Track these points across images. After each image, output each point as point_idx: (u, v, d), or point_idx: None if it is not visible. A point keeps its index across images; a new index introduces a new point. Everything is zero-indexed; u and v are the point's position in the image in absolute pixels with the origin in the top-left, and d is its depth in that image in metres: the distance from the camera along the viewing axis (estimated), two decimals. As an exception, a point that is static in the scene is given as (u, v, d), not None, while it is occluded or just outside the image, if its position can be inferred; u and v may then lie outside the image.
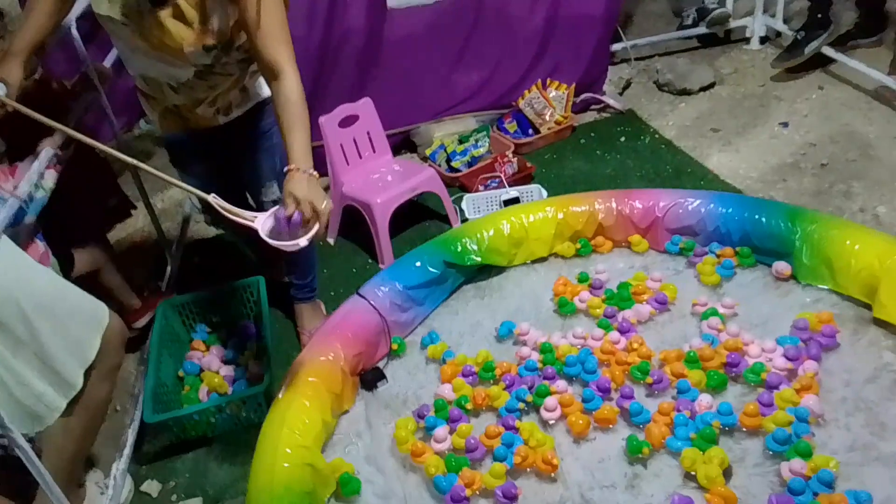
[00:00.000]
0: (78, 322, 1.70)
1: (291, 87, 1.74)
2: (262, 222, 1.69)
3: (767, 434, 1.77)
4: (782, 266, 2.22)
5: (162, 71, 1.97)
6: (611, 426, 1.89)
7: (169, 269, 2.83)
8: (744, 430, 1.83)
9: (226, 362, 2.38)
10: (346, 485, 1.81)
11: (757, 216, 2.29)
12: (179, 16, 1.82)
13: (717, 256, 2.34)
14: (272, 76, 1.76)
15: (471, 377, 2.08)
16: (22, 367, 1.58)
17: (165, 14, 1.81)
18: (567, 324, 2.27)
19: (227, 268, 2.78)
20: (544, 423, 1.92)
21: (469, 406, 1.97)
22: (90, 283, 2.37)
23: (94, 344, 1.72)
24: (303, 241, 1.63)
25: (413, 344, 2.28)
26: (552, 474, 1.79)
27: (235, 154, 2.18)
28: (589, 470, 1.80)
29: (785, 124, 3.35)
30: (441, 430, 1.89)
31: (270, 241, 1.65)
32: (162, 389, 2.17)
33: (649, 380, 1.97)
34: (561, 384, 1.98)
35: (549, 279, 2.42)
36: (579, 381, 2.02)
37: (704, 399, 1.89)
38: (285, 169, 1.69)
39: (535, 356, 2.11)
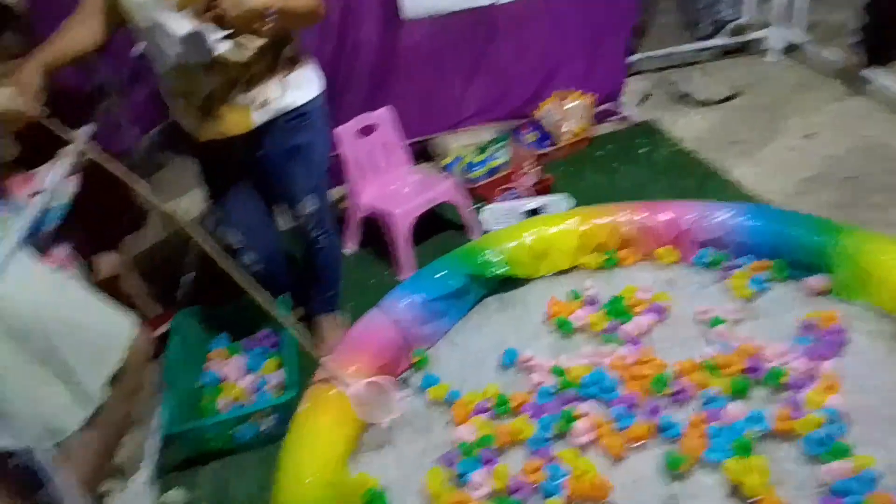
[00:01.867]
0: (103, 336, 1.67)
1: None
2: (354, 390, 1.88)
3: (800, 437, 1.76)
4: (816, 280, 2.18)
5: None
6: (644, 442, 1.84)
7: (183, 278, 2.80)
8: (776, 435, 1.80)
9: (247, 372, 2.34)
10: (370, 501, 1.76)
11: (789, 229, 2.26)
12: None
13: (749, 269, 2.30)
14: None
15: (486, 413, 1.97)
16: (44, 380, 1.55)
17: None
18: (569, 344, 2.21)
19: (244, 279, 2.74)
20: (576, 449, 1.85)
21: (497, 444, 1.87)
22: (110, 289, 2.35)
23: (117, 358, 1.68)
24: (385, 421, 1.90)
25: (435, 358, 2.24)
26: (605, 500, 1.71)
27: (271, 166, 2.11)
28: (626, 490, 1.75)
29: (808, 136, 3.31)
30: (478, 476, 1.78)
31: (357, 411, 1.87)
32: (182, 400, 2.12)
33: (669, 391, 1.93)
34: (585, 406, 1.93)
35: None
36: (599, 401, 1.97)
37: (734, 407, 1.85)
38: None
39: (549, 381, 2.04)
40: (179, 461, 2.11)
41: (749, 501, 1.65)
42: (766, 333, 2.09)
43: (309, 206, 2.19)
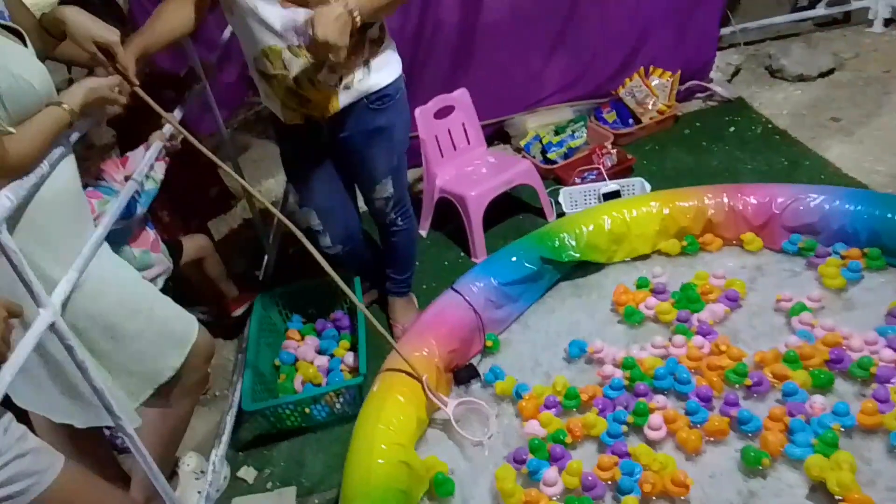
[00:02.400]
0: (165, 341, 1.69)
1: None
2: (453, 409, 1.89)
3: (890, 432, 1.65)
4: (917, 270, 2.02)
5: (280, 21, 1.87)
6: (724, 438, 1.76)
7: (266, 259, 2.88)
8: (863, 430, 1.69)
9: (320, 353, 2.39)
10: (440, 485, 1.77)
11: (889, 214, 2.09)
12: None
13: (842, 258, 2.15)
14: None
15: (555, 408, 1.90)
16: (103, 371, 1.60)
17: None
18: (638, 334, 2.12)
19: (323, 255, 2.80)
20: (650, 444, 1.78)
21: (568, 440, 1.80)
22: (195, 271, 2.45)
23: (175, 363, 1.71)
24: (485, 440, 1.86)
25: (507, 342, 2.22)
26: (684, 496, 1.64)
27: (352, 148, 2.13)
28: (702, 487, 1.68)
29: (916, 113, 3.06)
30: (550, 473, 1.70)
31: (458, 429, 1.87)
32: (259, 378, 2.19)
33: (748, 382, 1.83)
34: (659, 399, 1.84)
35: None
36: (674, 394, 1.89)
37: (818, 400, 1.75)
38: None
39: (619, 373, 1.95)
40: (256, 437, 2.19)
41: (835, 500, 1.56)
42: (852, 323, 1.96)
43: (389, 187, 2.20)
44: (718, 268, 2.28)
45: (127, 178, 1.92)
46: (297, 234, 1.76)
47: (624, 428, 1.80)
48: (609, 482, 1.70)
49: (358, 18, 1.75)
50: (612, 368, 1.97)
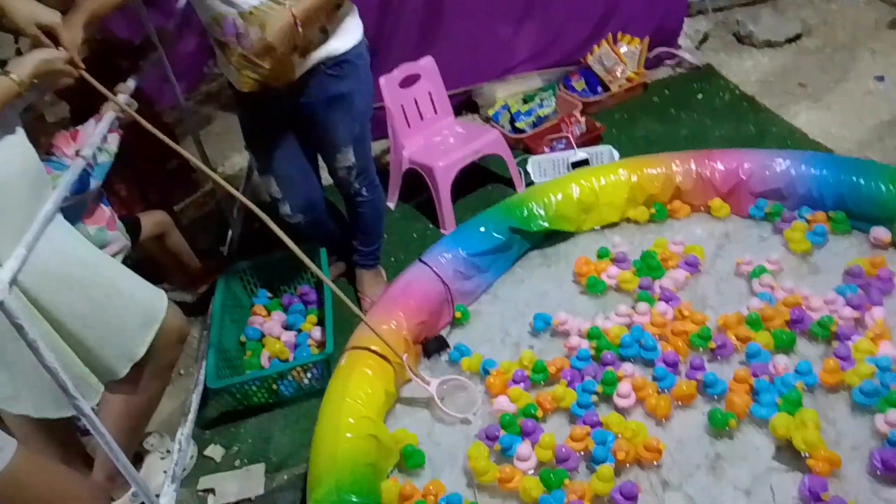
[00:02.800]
0: (132, 317, 1.63)
1: None
2: (436, 388, 1.87)
3: (852, 388, 1.69)
4: (881, 232, 2.04)
5: None
6: (692, 402, 1.77)
7: (230, 234, 2.82)
8: (825, 387, 1.73)
9: (287, 328, 2.35)
10: (409, 457, 1.76)
11: (854, 178, 2.10)
12: None
13: (808, 222, 2.16)
14: None
15: (523, 383, 1.89)
16: (68, 350, 1.55)
17: None
18: (601, 304, 2.12)
19: (287, 234, 2.74)
20: (620, 412, 1.78)
21: (539, 414, 1.80)
22: (156, 247, 2.38)
23: (145, 339, 1.66)
24: (471, 415, 1.84)
25: (477, 313, 2.20)
26: (656, 462, 1.65)
27: (313, 115, 2.08)
28: (672, 452, 1.69)
29: (881, 78, 3.07)
30: (523, 448, 1.69)
31: (443, 408, 1.85)
32: (225, 355, 2.15)
33: (712, 345, 1.85)
34: (627, 368, 1.85)
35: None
36: (640, 361, 1.90)
37: (780, 360, 1.78)
38: None
39: (585, 344, 1.95)
40: (223, 414, 2.15)
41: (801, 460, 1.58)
42: (813, 285, 2.00)
43: (350, 156, 2.15)
44: (687, 235, 2.29)
45: (78, 153, 1.84)
46: (258, 213, 1.71)
47: (594, 398, 1.80)
48: (582, 452, 1.70)
49: (300, 29, 1.79)
50: (579, 339, 1.96)
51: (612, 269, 2.16)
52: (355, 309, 1.93)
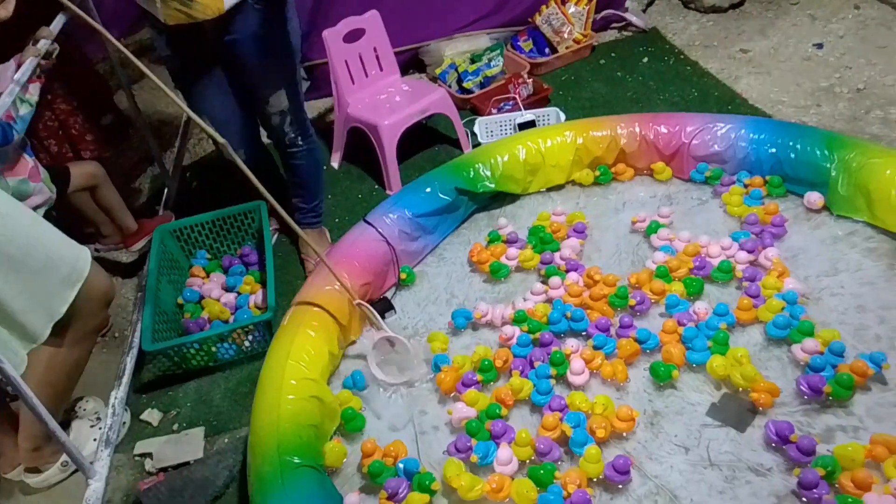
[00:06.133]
0: (51, 274, 1.55)
1: None
2: (373, 341, 1.82)
3: (766, 323, 1.79)
4: (815, 197, 2.09)
5: None
6: (635, 360, 1.80)
7: (166, 191, 2.71)
8: (741, 324, 1.83)
9: (227, 290, 2.29)
10: (350, 421, 1.74)
11: (791, 143, 2.15)
12: None
13: (746, 186, 2.21)
14: None
15: (474, 385, 1.77)
16: (14, 289, 1.47)
17: None
18: (510, 287, 2.08)
19: (226, 191, 2.66)
20: (577, 389, 1.73)
21: (503, 413, 1.70)
22: (85, 201, 2.28)
23: (66, 298, 1.58)
24: (401, 384, 1.80)
25: (422, 274, 2.19)
26: (633, 430, 1.63)
27: (241, 53, 2.01)
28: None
29: (819, 45, 3.14)
30: (502, 452, 1.58)
31: (376, 372, 1.81)
32: (162, 318, 2.08)
33: (632, 302, 1.89)
34: (571, 343, 1.81)
35: (566, 208, 2.30)
36: (573, 334, 1.87)
37: (700, 306, 1.84)
38: None
39: (519, 330, 1.87)
40: (160, 378, 2.09)
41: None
42: (708, 234, 2.10)
43: (283, 99, 2.09)
44: (630, 197, 2.31)
45: None
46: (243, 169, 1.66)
47: (552, 381, 1.74)
48: (561, 440, 1.62)
49: None
50: (512, 328, 1.88)
51: (510, 251, 2.13)
52: (341, 281, 1.86)
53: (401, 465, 1.59)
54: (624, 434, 1.62)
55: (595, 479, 1.54)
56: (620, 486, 1.53)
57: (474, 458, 1.59)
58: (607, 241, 2.18)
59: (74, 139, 2.46)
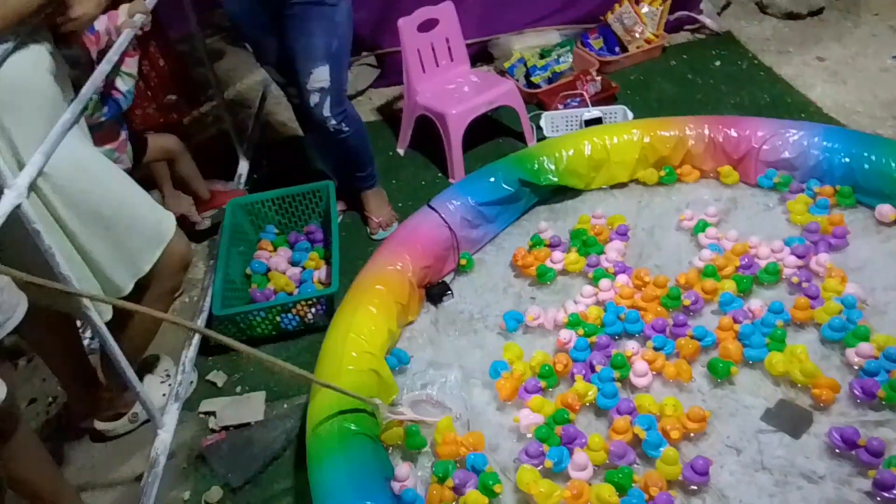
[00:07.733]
0: (138, 234, 1.64)
1: None
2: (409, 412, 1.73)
3: (821, 325, 1.78)
4: (887, 209, 2.06)
5: None
6: (695, 358, 1.80)
7: (241, 165, 2.82)
8: (795, 324, 1.83)
9: (292, 264, 2.38)
10: (411, 436, 1.70)
11: (865, 153, 2.11)
12: None
13: (815, 195, 2.18)
14: None
15: (537, 392, 1.75)
16: (81, 263, 1.56)
17: None
18: (557, 290, 2.08)
19: (296, 169, 2.75)
20: (640, 391, 1.73)
21: (571, 418, 1.69)
22: (164, 171, 2.39)
23: (150, 258, 1.67)
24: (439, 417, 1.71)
25: (481, 261, 2.23)
26: (705, 430, 1.62)
27: (294, 21, 2.10)
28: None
29: (899, 57, 3.06)
30: (578, 457, 1.56)
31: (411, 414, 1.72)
32: (230, 286, 2.18)
33: (686, 302, 1.89)
34: (631, 345, 1.81)
35: (627, 206, 2.30)
36: (628, 336, 1.87)
37: (755, 304, 1.84)
38: None
39: (575, 334, 1.85)
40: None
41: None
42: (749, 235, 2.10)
43: (326, 74, 2.14)
44: (695, 199, 2.30)
45: (102, 54, 1.82)
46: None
47: (617, 384, 1.73)
48: (634, 443, 1.61)
49: None
50: (568, 332, 1.86)
51: (555, 255, 2.12)
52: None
53: (471, 457, 1.59)
54: (692, 434, 1.62)
55: (676, 483, 1.53)
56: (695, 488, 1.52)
57: (548, 463, 1.56)
58: (645, 242, 2.18)
59: (153, 107, 2.58)
